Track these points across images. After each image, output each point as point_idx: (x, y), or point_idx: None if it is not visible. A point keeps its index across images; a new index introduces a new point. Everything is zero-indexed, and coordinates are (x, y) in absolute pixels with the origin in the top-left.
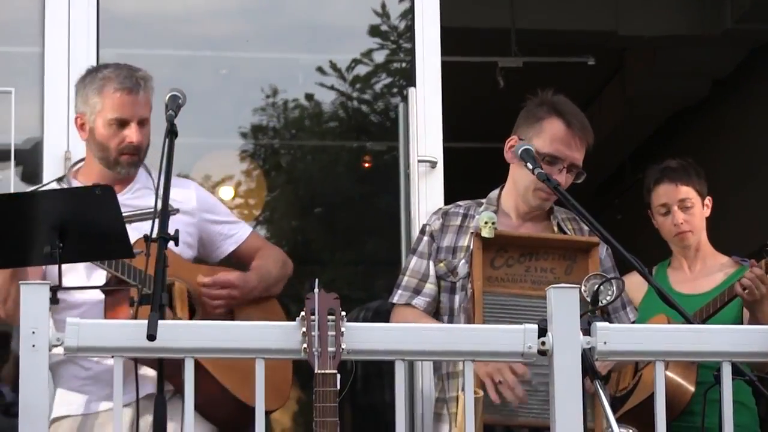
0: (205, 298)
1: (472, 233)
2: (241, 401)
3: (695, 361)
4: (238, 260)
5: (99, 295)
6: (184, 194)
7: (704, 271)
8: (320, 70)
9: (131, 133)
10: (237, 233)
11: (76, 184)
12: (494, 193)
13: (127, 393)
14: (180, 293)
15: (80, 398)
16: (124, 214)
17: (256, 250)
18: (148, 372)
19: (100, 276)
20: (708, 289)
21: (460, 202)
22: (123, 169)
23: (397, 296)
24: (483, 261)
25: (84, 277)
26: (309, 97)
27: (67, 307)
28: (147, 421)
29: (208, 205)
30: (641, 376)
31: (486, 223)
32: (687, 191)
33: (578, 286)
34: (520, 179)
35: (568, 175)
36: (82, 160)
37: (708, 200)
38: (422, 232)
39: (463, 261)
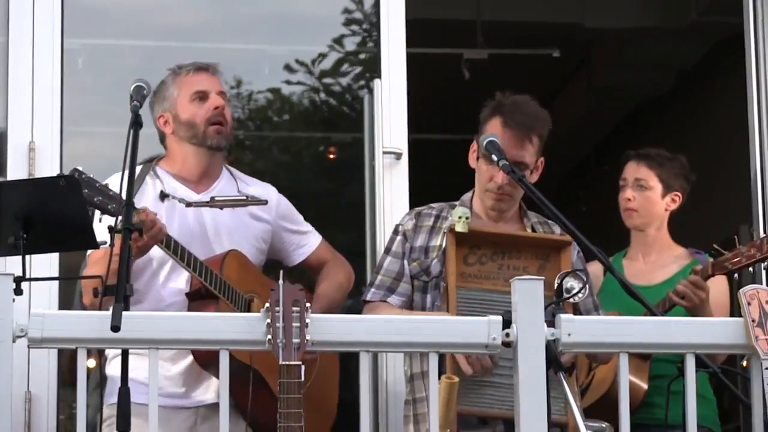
0: None
1: (444, 233)
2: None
3: (649, 357)
4: (306, 268)
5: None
6: (265, 197)
7: (658, 262)
8: (286, 61)
9: (214, 100)
10: (307, 244)
11: (160, 171)
12: (467, 196)
13: (189, 396)
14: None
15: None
16: (218, 199)
17: (324, 262)
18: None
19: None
20: (660, 281)
21: (432, 204)
22: (213, 140)
23: (371, 294)
24: (456, 257)
25: (184, 279)
26: (274, 88)
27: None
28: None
29: (287, 213)
30: (594, 375)
31: (460, 217)
32: (647, 174)
33: (543, 278)
34: (477, 182)
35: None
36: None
37: (676, 195)
38: (395, 232)
39: (435, 260)
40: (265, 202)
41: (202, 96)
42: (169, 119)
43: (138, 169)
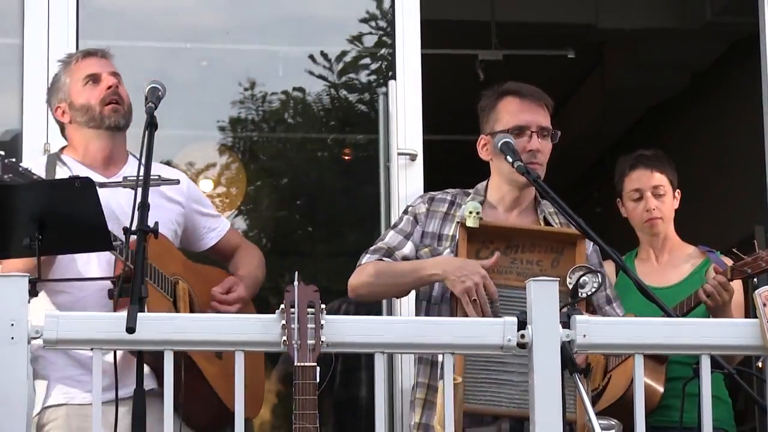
0: (217, 309)
1: (457, 222)
2: (227, 409)
3: (665, 360)
4: (215, 254)
5: None
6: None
7: (671, 262)
8: (301, 62)
9: (107, 81)
10: (218, 227)
11: (66, 158)
12: (482, 185)
13: (127, 387)
14: (183, 294)
15: (75, 388)
16: (130, 178)
17: (235, 246)
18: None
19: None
20: (675, 282)
21: (448, 190)
22: (110, 119)
23: (365, 258)
24: (468, 252)
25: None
26: (289, 89)
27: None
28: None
29: (197, 196)
30: (610, 378)
31: (471, 212)
32: (660, 178)
33: (559, 279)
34: (502, 168)
35: (541, 141)
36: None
37: (677, 192)
38: (405, 212)
39: (448, 250)
40: (177, 182)
41: (94, 79)
42: (65, 108)
43: (44, 161)
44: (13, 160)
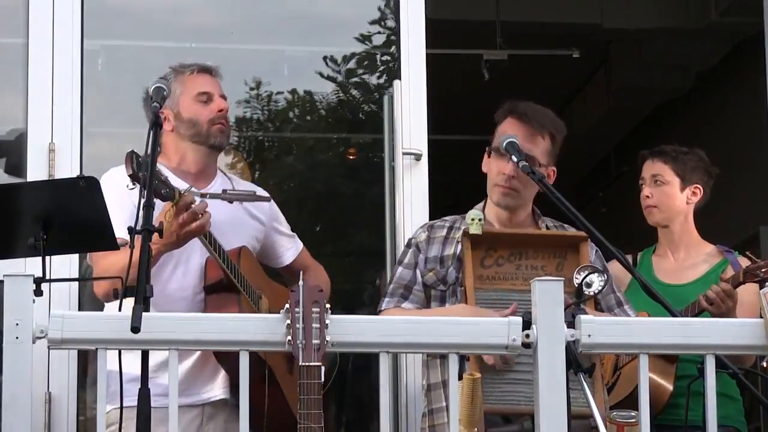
0: None
1: (458, 242)
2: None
3: (675, 359)
4: (287, 272)
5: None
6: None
7: (689, 260)
8: (306, 62)
9: (219, 103)
10: (294, 246)
11: (160, 167)
12: (479, 205)
13: (196, 394)
14: (265, 308)
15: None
16: (230, 192)
17: (306, 267)
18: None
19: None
20: (692, 280)
21: (446, 217)
22: (216, 139)
23: (385, 303)
24: (473, 260)
25: (191, 275)
26: (295, 89)
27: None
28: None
29: (277, 215)
30: (620, 374)
31: (473, 220)
32: (662, 168)
33: (563, 279)
34: (488, 181)
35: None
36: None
37: (696, 188)
38: (408, 246)
39: (451, 268)
40: (269, 198)
41: (206, 97)
42: (170, 116)
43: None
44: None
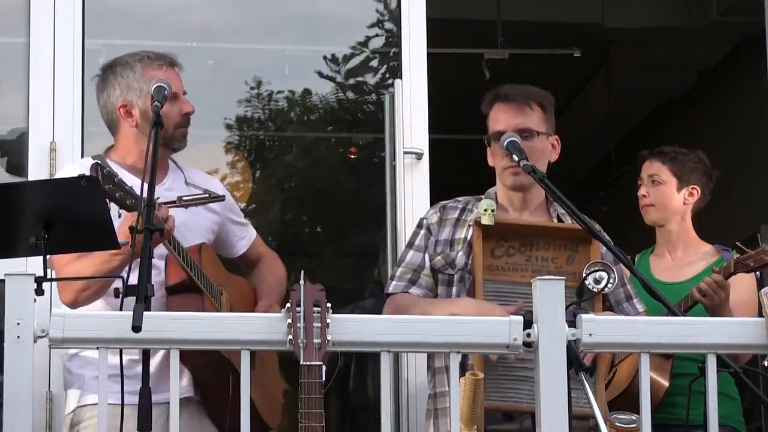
0: None
1: (470, 225)
2: (259, 417)
3: (671, 355)
4: (242, 261)
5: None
6: (215, 189)
7: (686, 259)
8: (308, 62)
9: (185, 106)
10: (248, 236)
11: (111, 163)
12: (492, 189)
13: (162, 392)
14: (227, 304)
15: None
16: (185, 199)
17: (260, 255)
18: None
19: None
20: (688, 277)
21: (459, 198)
22: (178, 143)
23: (392, 287)
24: (483, 250)
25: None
26: (296, 88)
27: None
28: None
29: (231, 205)
30: (615, 372)
31: (485, 210)
32: (659, 168)
33: (575, 274)
34: (495, 168)
35: (524, 142)
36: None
37: (693, 189)
38: (419, 225)
39: (461, 253)
40: (223, 198)
41: (173, 96)
42: (135, 114)
43: (89, 163)
44: (108, 169)
